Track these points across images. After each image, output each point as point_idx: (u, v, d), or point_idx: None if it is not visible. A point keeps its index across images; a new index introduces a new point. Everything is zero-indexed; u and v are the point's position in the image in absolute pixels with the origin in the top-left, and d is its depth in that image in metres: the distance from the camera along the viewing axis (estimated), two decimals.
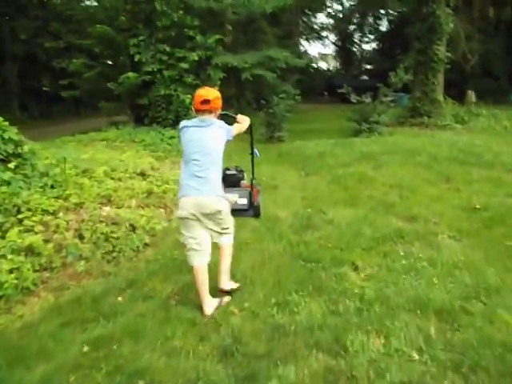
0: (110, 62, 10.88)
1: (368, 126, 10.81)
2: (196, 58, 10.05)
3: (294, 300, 3.05)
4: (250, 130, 3.59)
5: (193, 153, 2.90)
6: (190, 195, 2.87)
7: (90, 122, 12.61)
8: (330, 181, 6.35)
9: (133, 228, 4.32)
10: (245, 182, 3.89)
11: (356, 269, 3.51)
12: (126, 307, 3.06)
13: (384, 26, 34.20)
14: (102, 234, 4.00)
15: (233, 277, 3.27)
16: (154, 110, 10.71)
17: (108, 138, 9.82)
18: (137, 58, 10.14)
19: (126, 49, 10.54)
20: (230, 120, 3.33)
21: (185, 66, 10.08)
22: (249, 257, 3.79)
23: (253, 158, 3.92)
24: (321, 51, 53.49)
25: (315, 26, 37.51)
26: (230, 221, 3.14)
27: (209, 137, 2.93)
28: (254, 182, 3.84)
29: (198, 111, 3.01)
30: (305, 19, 35.54)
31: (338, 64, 40.21)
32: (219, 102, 3.04)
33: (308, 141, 10.19)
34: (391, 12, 30.68)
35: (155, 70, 10.36)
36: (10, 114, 18.76)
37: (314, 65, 35.43)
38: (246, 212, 3.78)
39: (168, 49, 10.30)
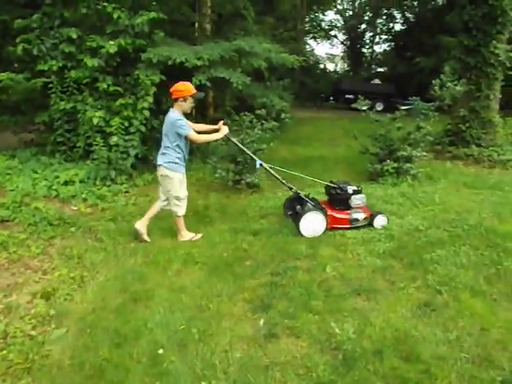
0: None
1: (395, 165, 6.65)
2: (113, 50, 6.00)
3: None
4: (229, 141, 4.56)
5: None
6: None
7: None
8: None
9: None
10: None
11: None
12: None
13: (398, 25, 30.41)
14: None
15: None
16: (57, 133, 6.75)
17: None
18: (19, 49, 6.17)
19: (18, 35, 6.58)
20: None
21: (93, 63, 6.06)
22: None
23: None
24: (328, 51, 49.37)
25: (323, 24, 33.67)
26: (177, 193, 4.05)
27: (167, 124, 3.99)
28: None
29: None
30: (312, 16, 31.56)
31: (346, 65, 36.14)
32: (177, 93, 3.92)
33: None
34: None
35: (55, 68, 6.40)
36: None
37: (321, 65, 31.37)
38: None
39: (75, 35, 6.32)
